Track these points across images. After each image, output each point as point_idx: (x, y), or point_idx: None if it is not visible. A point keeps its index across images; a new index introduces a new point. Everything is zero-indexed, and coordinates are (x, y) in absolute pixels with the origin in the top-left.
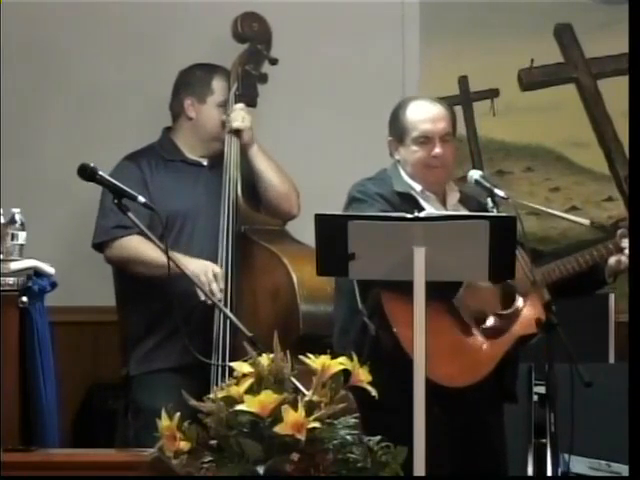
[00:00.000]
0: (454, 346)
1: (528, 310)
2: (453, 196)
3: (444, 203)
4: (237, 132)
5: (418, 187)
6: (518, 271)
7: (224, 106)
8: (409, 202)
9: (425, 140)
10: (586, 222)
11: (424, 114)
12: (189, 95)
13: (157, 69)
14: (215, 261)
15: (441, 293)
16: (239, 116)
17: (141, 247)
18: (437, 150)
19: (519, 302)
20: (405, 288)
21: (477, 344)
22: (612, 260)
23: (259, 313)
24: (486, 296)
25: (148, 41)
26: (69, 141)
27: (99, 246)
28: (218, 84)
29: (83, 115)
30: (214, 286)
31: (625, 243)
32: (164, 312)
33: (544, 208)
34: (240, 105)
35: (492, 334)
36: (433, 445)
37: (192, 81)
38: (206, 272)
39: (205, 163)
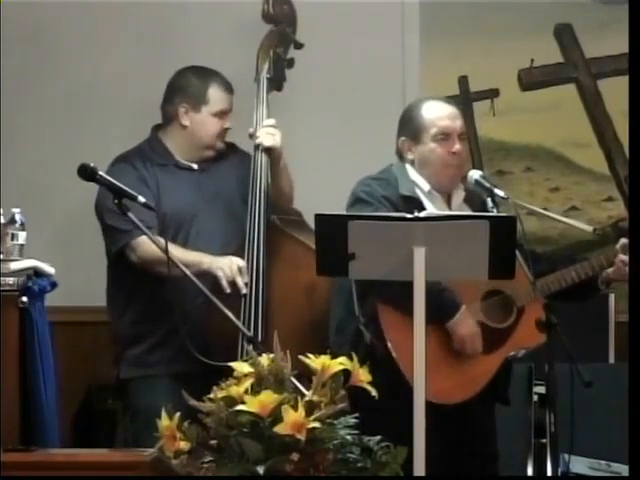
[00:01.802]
0: (447, 362)
1: (525, 323)
2: (459, 195)
3: (449, 203)
4: (267, 150)
5: (426, 187)
6: (516, 282)
7: (219, 116)
8: (414, 205)
9: (444, 137)
10: (589, 229)
11: (441, 112)
12: (183, 102)
13: (156, 68)
14: None
15: (435, 317)
16: (270, 134)
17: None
18: (457, 146)
19: (516, 315)
20: (402, 300)
21: (471, 360)
22: (609, 270)
23: (289, 306)
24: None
25: (147, 41)
26: (69, 141)
27: (120, 251)
28: (215, 93)
29: (83, 115)
30: (239, 280)
31: (625, 257)
32: (160, 313)
33: (549, 213)
34: (271, 121)
35: (487, 348)
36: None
37: (187, 87)
38: (230, 265)
39: (196, 167)
